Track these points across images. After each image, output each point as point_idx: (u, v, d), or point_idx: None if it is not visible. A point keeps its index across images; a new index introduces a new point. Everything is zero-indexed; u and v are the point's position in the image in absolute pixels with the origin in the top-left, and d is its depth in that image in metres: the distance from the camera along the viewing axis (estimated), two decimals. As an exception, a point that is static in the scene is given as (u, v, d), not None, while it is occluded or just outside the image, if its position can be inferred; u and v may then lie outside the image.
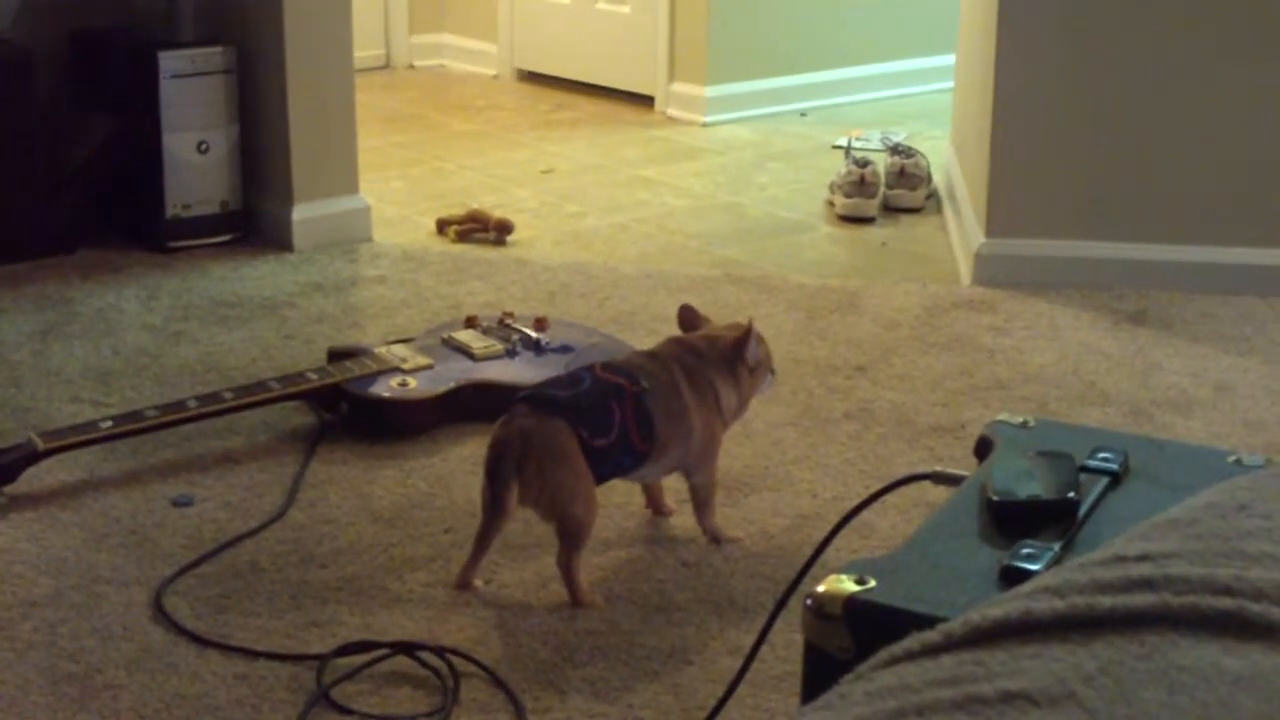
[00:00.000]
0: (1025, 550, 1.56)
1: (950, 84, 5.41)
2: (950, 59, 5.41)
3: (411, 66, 7.02)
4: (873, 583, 1.52)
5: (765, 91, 6.12)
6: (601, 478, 2.64)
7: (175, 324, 3.87)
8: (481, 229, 4.57)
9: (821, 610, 1.51)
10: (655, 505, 2.91)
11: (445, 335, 3.50)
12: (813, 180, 5.19)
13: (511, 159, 5.50)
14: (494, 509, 2.57)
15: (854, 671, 0.98)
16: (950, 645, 0.96)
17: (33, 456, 3.01)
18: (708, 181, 5.26)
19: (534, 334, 3.49)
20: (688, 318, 2.89)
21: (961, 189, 4.60)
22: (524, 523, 2.71)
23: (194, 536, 2.84)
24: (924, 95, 6.28)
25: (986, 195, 4.15)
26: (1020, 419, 1.90)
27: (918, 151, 5.01)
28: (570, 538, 2.60)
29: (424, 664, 2.44)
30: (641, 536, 2.85)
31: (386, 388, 3.27)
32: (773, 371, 2.88)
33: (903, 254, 4.51)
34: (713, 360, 2.76)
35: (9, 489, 2.97)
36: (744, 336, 2.76)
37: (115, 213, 4.45)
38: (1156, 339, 3.81)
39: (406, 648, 2.47)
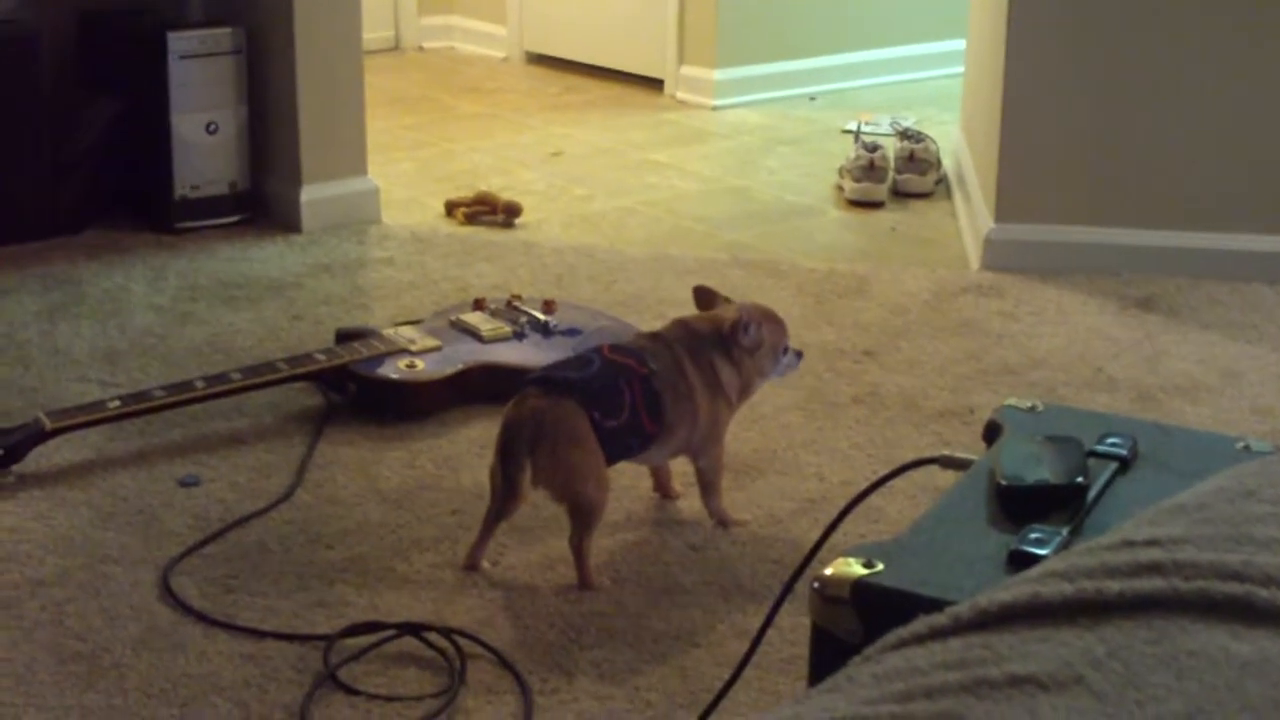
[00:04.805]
0: (1033, 535, 1.56)
1: (960, 69, 5.40)
2: (960, 44, 5.41)
3: (420, 48, 7.02)
4: (880, 566, 1.52)
5: (774, 75, 6.11)
6: (611, 459, 2.64)
7: (183, 304, 3.87)
8: (490, 211, 4.57)
9: (829, 593, 1.51)
10: (662, 488, 2.91)
11: (453, 317, 3.50)
12: (822, 164, 5.18)
13: (520, 141, 5.50)
14: (507, 490, 2.57)
15: (862, 654, 0.98)
16: (958, 629, 0.96)
17: (40, 436, 3.01)
18: (716, 165, 5.26)
19: (542, 316, 3.49)
20: (703, 297, 2.87)
21: (971, 174, 4.59)
22: (531, 504, 2.70)
23: (201, 516, 2.84)
24: (934, 80, 6.27)
25: (996, 180, 4.15)
26: (1029, 404, 1.90)
27: (927, 136, 5.00)
28: (582, 519, 2.60)
29: (431, 645, 2.44)
30: (649, 520, 2.86)
31: (394, 369, 3.27)
32: (791, 350, 2.85)
33: (912, 239, 4.51)
34: (713, 342, 2.76)
35: (17, 468, 2.98)
36: (737, 319, 2.75)
37: (123, 193, 4.45)
38: (1165, 325, 3.80)
39: (413, 629, 2.47)
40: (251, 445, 3.13)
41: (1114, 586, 0.95)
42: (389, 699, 2.32)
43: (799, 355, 2.88)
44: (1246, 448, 1.77)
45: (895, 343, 3.67)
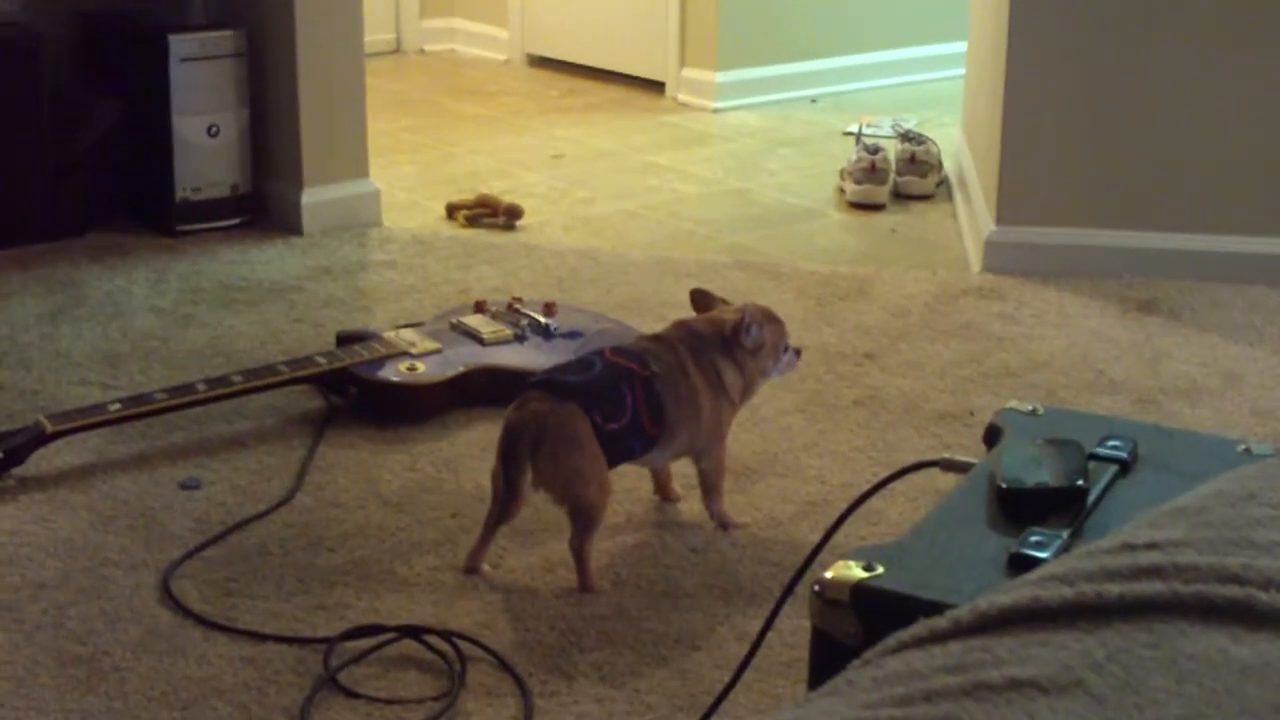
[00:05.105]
0: (1034, 538, 1.56)
1: (961, 71, 5.40)
2: (962, 46, 5.40)
3: (422, 51, 7.02)
4: (880, 569, 1.52)
5: (776, 78, 6.11)
6: (612, 462, 2.64)
7: (184, 307, 3.87)
8: (491, 214, 4.57)
9: (829, 596, 1.51)
10: (663, 491, 2.91)
11: (454, 320, 3.50)
12: (823, 167, 5.18)
13: (521, 144, 5.50)
14: (508, 493, 2.57)
15: (861, 658, 0.98)
16: (958, 632, 0.96)
17: (41, 439, 3.01)
18: (717, 168, 5.26)
19: (542, 319, 3.49)
20: (700, 300, 2.88)
21: (972, 176, 4.59)
22: (531, 507, 2.71)
23: (202, 519, 2.84)
24: (935, 82, 6.26)
25: (997, 182, 4.14)
26: (1029, 406, 1.90)
27: (928, 138, 5.00)
28: (583, 522, 2.60)
29: (431, 648, 2.44)
30: (649, 522, 2.85)
31: (395, 372, 3.27)
32: (791, 349, 2.86)
33: (913, 241, 4.51)
34: (715, 343, 2.76)
35: (17, 471, 2.98)
36: (740, 320, 2.75)
37: (125, 196, 4.45)
38: (1166, 327, 3.80)
39: (414, 632, 2.47)
40: (252, 448, 3.13)
41: (1114, 590, 0.95)
42: (389, 702, 2.32)
43: (798, 353, 2.89)
44: (1247, 450, 1.77)
45: (896, 345, 3.67)
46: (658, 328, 2.96)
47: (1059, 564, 1.02)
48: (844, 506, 1.94)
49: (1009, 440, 1.79)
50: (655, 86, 6.20)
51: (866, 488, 1.94)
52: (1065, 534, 1.57)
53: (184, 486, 2.96)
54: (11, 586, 2.61)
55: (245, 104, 4.39)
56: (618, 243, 4.43)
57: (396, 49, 6.99)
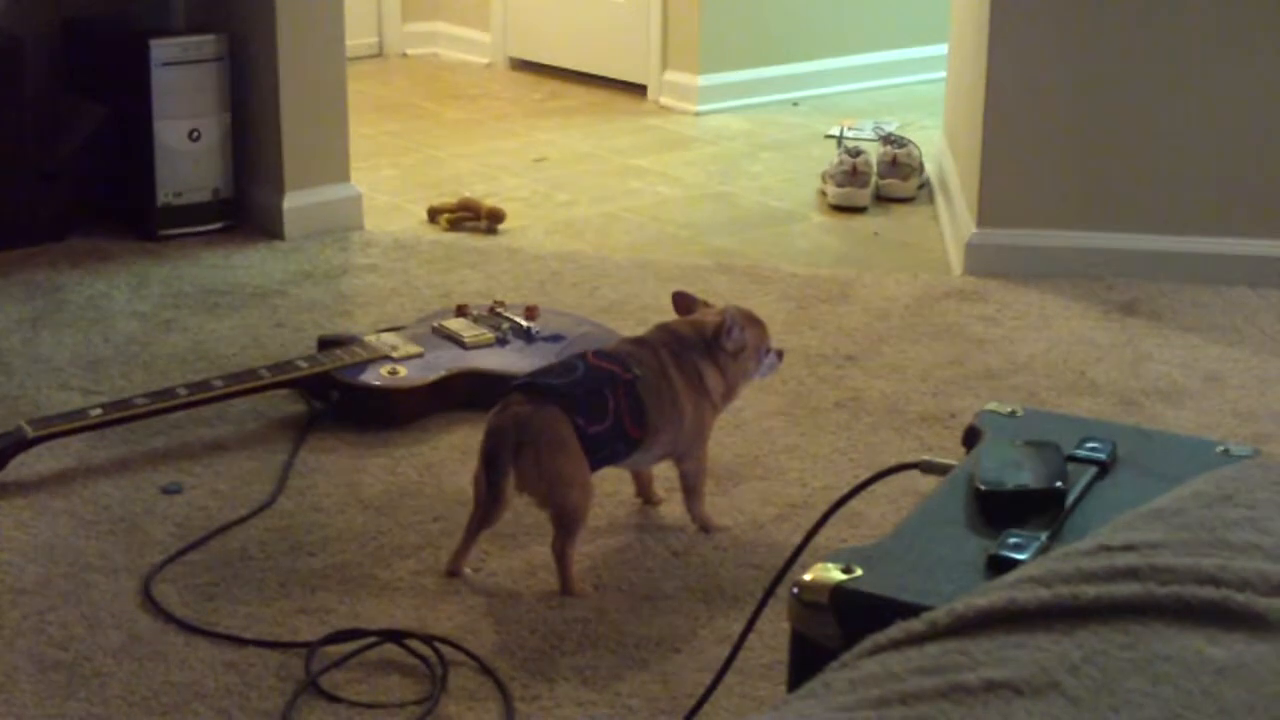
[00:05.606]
0: (1012, 540, 1.56)
1: (943, 74, 5.40)
2: (943, 49, 5.41)
3: (404, 55, 7.01)
4: (859, 571, 1.52)
5: (758, 81, 6.11)
6: (595, 465, 2.64)
7: (165, 312, 3.86)
8: (473, 217, 4.57)
9: (808, 599, 1.51)
10: (645, 494, 2.91)
11: (436, 324, 3.50)
12: (805, 170, 5.19)
13: (503, 148, 5.49)
14: (491, 497, 2.57)
15: (839, 660, 0.98)
16: (935, 634, 0.96)
17: (22, 444, 3.00)
18: (699, 171, 5.26)
19: (524, 322, 3.48)
20: (682, 303, 2.88)
21: (953, 179, 4.59)
22: (513, 510, 2.70)
23: (183, 524, 2.83)
24: (917, 85, 6.27)
25: (978, 185, 4.15)
26: (1009, 408, 1.91)
27: (910, 141, 5.00)
28: (566, 525, 2.60)
29: (412, 652, 2.44)
30: (631, 525, 2.85)
31: (377, 376, 3.27)
32: (773, 350, 2.86)
33: (894, 244, 4.51)
34: (698, 346, 2.76)
35: (-2, 476, 2.97)
36: (721, 323, 2.76)
37: (106, 201, 4.44)
38: (1147, 329, 3.81)
39: (395, 636, 2.47)
40: (234, 452, 3.12)
41: (1090, 592, 0.95)
42: (370, 706, 2.32)
43: (779, 356, 2.89)
44: (1226, 452, 1.77)
45: (877, 348, 3.67)
46: (640, 331, 2.96)
47: (1036, 566, 1.03)
48: (825, 509, 1.94)
49: (988, 442, 1.80)
50: (637, 90, 6.20)
51: (847, 490, 1.95)
52: (1044, 536, 1.57)
53: (165, 491, 2.96)
54: (-8, 592, 2.60)
55: (227, 108, 4.38)
56: (599, 246, 4.43)
57: (379, 52, 6.98)
